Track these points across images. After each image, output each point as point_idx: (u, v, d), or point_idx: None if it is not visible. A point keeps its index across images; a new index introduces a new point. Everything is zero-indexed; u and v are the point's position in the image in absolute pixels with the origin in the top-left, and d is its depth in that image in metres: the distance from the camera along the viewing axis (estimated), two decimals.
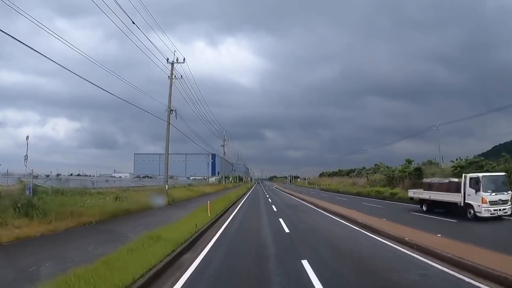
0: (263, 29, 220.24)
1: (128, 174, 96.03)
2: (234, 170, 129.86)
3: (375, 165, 72.48)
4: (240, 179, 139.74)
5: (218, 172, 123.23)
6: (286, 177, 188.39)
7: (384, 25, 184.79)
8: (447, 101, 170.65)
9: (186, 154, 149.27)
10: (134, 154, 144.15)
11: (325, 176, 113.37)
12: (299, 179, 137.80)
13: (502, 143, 69.01)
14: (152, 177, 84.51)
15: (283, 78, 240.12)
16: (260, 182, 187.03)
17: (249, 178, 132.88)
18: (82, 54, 13.39)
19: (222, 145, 65.37)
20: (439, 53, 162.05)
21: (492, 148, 64.61)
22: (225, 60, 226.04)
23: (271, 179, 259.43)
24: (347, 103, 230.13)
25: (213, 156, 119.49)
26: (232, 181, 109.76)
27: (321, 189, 63.01)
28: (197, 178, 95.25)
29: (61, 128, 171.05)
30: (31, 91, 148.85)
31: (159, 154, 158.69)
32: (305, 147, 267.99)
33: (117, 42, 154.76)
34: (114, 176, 68.12)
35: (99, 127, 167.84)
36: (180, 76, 27.50)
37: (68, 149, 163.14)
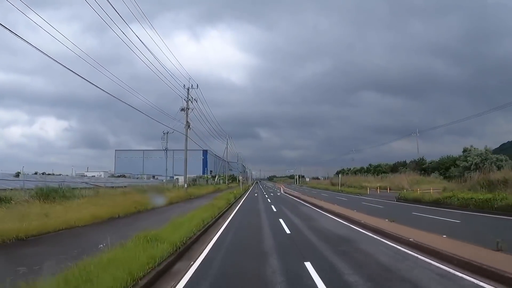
0: (247, 21, 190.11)
1: (102, 173, 79.06)
2: (230, 169, 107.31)
3: (464, 150, 39.09)
4: (234, 178, 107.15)
5: (211, 171, 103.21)
6: (290, 177, 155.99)
7: (380, 14, 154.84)
8: (447, 97, 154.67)
9: (173, 150, 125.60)
10: (115, 150, 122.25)
11: (346, 174, 79.69)
12: (307, 179, 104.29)
13: (510, 140, 62.09)
14: (129, 177, 65.80)
15: (273, 74, 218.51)
16: (259, 182, 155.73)
17: (240, 178, 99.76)
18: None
19: (182, 109, 30.84)
20: (439, 44, 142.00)
21: (501, 145, 57.74)
22: (211, 56, 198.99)
23: (270, 179, 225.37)
24: (342, 99, 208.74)
25: (204, 152, 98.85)
26: (221, 181, 75.58)
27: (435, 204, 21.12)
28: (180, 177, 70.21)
29: (50, 127, 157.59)
30: (16, 90, 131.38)
31: (143, 150, 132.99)
32: (301, 146, 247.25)
33: (95, 37, 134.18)
34: (85, 176, 56.23)
35: (89, 127, 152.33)
36: None
37: (60, 149, 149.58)
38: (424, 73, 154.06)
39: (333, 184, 59.87)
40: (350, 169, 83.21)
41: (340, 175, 47.05)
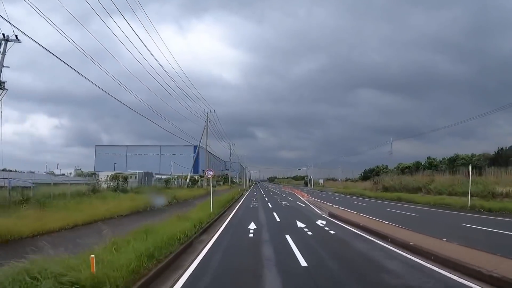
0: (235, 12, 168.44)
1: (72, 171, 64.31)
2: (227, 169, 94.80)
3: None
4: (226, 180, 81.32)
5: (203, 170, 75.84)
6: (295, 177, 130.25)
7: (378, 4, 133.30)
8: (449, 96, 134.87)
9: (160, 146, 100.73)
10: (95, 146, 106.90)
11: (383, 173, 52.90)
12: (321, 181, 77.32)
13: None
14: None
15: (267, 71, 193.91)
16: (258, 183, 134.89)
17: (209, 175, 74.53)
18: None
19: None
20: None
21: (510, 147, 44.01)
22: (200, 52, 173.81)
23: (271, 180, 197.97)
24: (339, 97, 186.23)
25: (196, 148, 79.22)
26: (204, 183, 48.70)
27: None
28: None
29: (41, 125, 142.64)
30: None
31: (126, 146, 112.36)
32: (300, 147, 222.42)
33: (76, 31, 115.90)
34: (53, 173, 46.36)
35: (80, 124, 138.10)
36: None
37: (54, 148, 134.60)
38: (426, 71, 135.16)
39: (387, 189, 32.96)
40: (386, 167, 56.21)
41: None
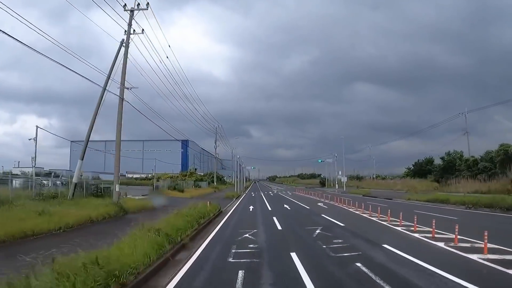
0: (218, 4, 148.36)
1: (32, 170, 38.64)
2: (223, 168, 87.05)
3: None
4: (218, 179, 59.74)
5: (196, 168, 77.90)
6: (300, 176, 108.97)
7: None
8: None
9: (143, 141, 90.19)
10: (71, 142, 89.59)
11: (459, 162, 30.90)
12: (344, 179, 54.98)
13: None
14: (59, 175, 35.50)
15: (258, 67, 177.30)
16: (257, 183, 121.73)
17: (215, 176, 54.31)
18: None
19: None
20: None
21: None
22: (187, 47, 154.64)
23: (272, 179, 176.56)
24: (336, 93, 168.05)
25: (184, 144, 75.73)
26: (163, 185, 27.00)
27: None
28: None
29: (31, 125, 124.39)
30: None
31: (105, 141, 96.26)
32: (297, 145, 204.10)
33: (57, 25, 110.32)
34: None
35: (70, 124, 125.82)
36: None
37: (49, 149, 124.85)
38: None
39: None
40: (460, 155, 34.25)
41: None
